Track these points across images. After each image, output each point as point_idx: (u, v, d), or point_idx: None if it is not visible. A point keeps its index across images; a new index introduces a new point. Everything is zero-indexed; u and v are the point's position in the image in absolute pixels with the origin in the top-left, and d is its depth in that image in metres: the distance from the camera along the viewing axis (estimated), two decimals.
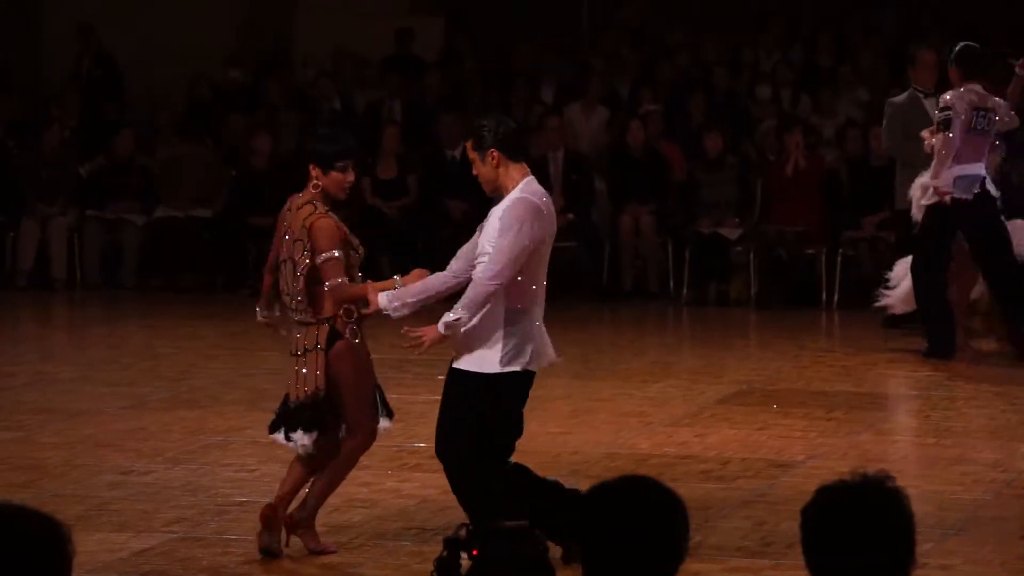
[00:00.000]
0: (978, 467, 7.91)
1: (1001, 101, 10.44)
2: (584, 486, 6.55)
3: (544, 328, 6.20)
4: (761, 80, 15.39)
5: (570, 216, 13.66)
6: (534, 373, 6.20)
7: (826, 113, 14.81)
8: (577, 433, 8.47)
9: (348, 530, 6.80)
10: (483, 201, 13.47)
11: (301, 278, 6.35)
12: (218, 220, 14.18)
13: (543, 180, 13.71)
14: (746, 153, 14.29)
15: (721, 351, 11.27)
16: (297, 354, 6.41)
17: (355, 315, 6.38)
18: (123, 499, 7.21)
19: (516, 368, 6.09)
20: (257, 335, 12.20)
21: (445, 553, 3.28)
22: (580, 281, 13.60)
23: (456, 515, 6.74)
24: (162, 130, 14.82)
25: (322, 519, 6.93)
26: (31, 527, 3.02)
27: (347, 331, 6.36)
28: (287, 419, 6.42)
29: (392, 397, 9.42)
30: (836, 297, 13.03)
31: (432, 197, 13.98)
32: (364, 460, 7.98)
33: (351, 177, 6.37)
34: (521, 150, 6.23)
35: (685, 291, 13.52)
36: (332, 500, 7.20)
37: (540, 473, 6.38)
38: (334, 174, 6.32)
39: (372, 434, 6.55)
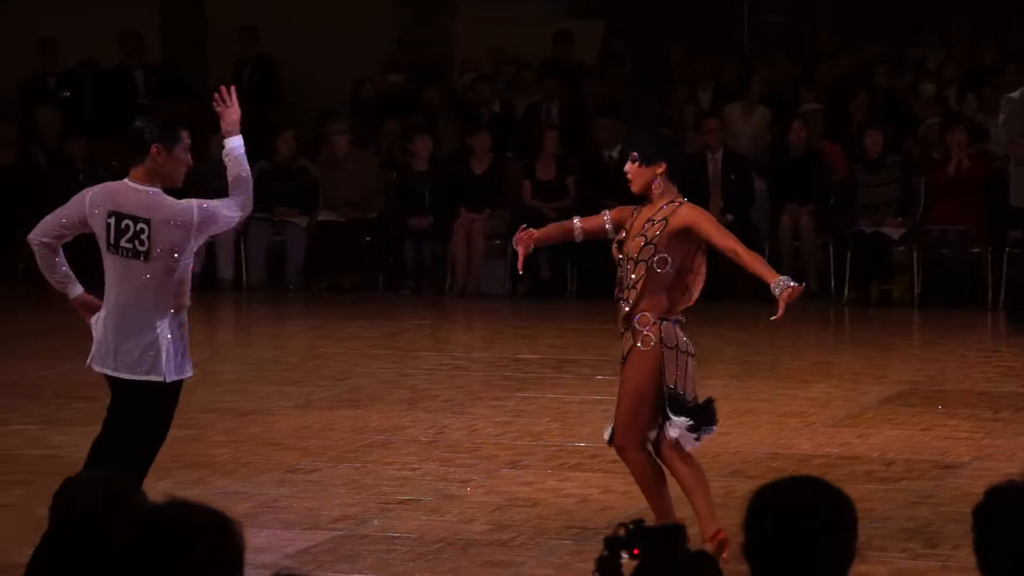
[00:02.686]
0: None
1: None
2: (746, 487, 6.54)
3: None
4: (925, 78, 15.16)
5: (729, 216, 13.59)
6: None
7: (992, 111, 14.53)
8: (738, 433, 8.43)
9: (510, 529, 6.85)
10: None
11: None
12: (379, 222, 14.38)
13: (701, 180, 13.81)
14: (908, 152, 14.08)
15: (883, 351, 11.13)
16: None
17: None
18: (289, 496, 7.35)
19: None
20: (416, 335, 12.38)
21: (606, 552, 3.29)
22: (738, 282, 13.52)
23: (616, 514, 6.77)
24: (326, 134, 15.04)
25: (483, 518, 7.00)
26: (205, 521, 3.11)
27: None
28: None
29: (550, 397, 9.54)
30: (1002, 296, 12.77)
31: (591, 197, 14.02)
32: (525, 459, 8.07)
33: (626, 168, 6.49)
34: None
35: (846, 291, 13.36)
36: (494, 499, 7.27)
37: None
38: None
39: None
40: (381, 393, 9.73)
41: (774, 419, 8.85)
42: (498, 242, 14.26)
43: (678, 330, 6.32)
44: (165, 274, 6.28)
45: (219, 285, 14.44)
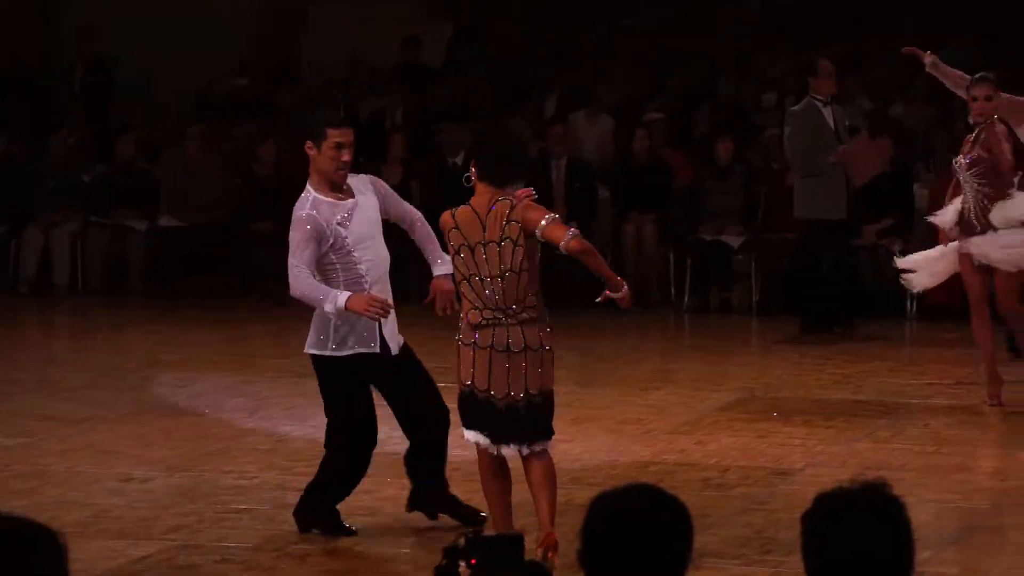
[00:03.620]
0: (977, 476, 7.92)
1: None
2: (585, 494, 6.57)
3: None
4: (767, 88, 15.41)
5: (572, 224, 13.68)
6: None
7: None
8: (578, 441, 8.48)
9: (349, 538, 6.81)
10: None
11: (525, 275, 6.27)
12: (223, 226, 14.23)
13: (546, 188, 13.88)
14: (751, 161, 14.31)
15: (722, 358, 11.28)
16: (514, 351, 6.25)
17: None
18: (123, 506, 7.23)
19: None
20: (259, 342, 12.23)
21: (444, 562, 3.30)
22: (582, 289, 13.61)
23: (455, 523, 6.76)
24: (171, 137, 14.87)
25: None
26: (28, 537, 3.03)
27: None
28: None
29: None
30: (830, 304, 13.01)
31: (435, 203, 14.01)
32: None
33: None
34: None
35: (687, 299, 13.53)
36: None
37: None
38: None
39: None
40: (221, 401, 9.61)
41: (613, 426, 8.92)
42: None
43: (493, 329, 6.26)
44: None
45: (55, 291, 14.18)
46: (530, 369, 6.28)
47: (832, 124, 12.08)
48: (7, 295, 14.19)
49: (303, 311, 14.24)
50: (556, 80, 15.78)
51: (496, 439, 6.30)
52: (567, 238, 6.27)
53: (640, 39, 16.64)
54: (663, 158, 14.16)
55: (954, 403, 9.55)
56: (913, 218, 13.39)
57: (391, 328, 6.71)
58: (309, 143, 6.66)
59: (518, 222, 6.27)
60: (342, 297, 6.48)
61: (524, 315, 6.29)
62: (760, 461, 8.10)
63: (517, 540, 3.33)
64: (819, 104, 12.07)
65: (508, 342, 6.27)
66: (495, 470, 6.36)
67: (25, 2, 16.74)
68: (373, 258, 6.69)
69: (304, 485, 7.58)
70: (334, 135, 6.63)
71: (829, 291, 12.28)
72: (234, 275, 14.22)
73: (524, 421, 6.29)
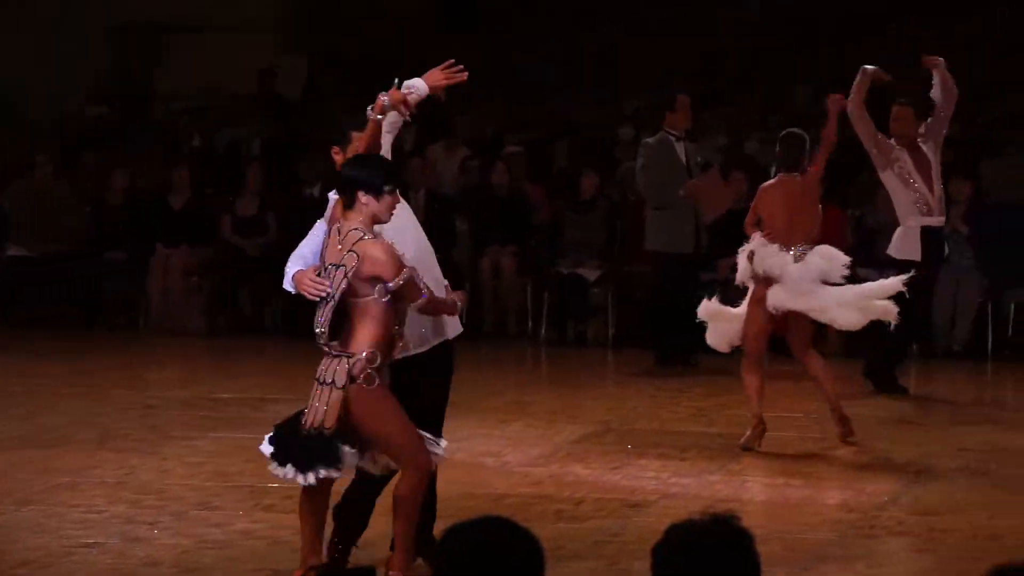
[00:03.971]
0: (825, 508, 8.03)
1: None
2: (439, 527, 6.54)
3: None
4: (624, 122, 15.59)
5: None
6: None
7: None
8: None
9: (198, 572, 6.71)
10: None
11: (336, 306, 6.08)
12: (73, 256, 14.02)
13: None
14: (609, 195, 14.45)
15: (578, 391, 11.34)
16: (318, 380, 6.12)
17: (378, 360, 6.09)
18: None
19: None
20: (108, 373, 12.04)
21: None
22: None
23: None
24: (21, 166, 14.64)
25: (170, 560, 6.83)
26: None
27: (362, 376, 6.07)
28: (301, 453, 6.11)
29: (247, 437, 9.39)
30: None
31: (292, 235, 13.92)
32: (216, 500, 7.92)
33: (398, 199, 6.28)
34: None
35: (543, 331, 13.59)
36: (183, 541, 7.12)
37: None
38: (387, 198, 6.19)
39: (426, 463, 6.36)
40: (69, 433, 9.44)
41: (470, 458, 8.91)
42: (195, 278, 14.04)
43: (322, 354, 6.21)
44: None
45: None
46: (319, 403, 6.10)
47: (684, 159, 12.27)
48: None
49: (154, 341, 14.00)
50: (414, 113, 15.77)
51: (274, 455, 6.22)
52: (418, 305, 6.19)
53: (498, 73, 16.72)
54: (522, 191, 14.24)
55: (803, 436, 9.70)
56: None
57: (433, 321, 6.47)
58: (335, 148, 6.55)
59: (358, 255, 6.07)
60: (292, 270, 6.20)
61: (331, 350, 6.12)
62: (614, 493, 8.14)
63: (368, 573, 3.30)
64: (672, 139, 12.25)
65: (322, 371, 6.16)
66: (310, 491, 6.28)
67: None
68: (415, 252, 6.41)
69: (153, 519, 7.47)
70: (354, 139, 6.54)
71: (682, 324, 12.43)
72: (85, 305, 14.01)
73: (297, 449, 6.15)
